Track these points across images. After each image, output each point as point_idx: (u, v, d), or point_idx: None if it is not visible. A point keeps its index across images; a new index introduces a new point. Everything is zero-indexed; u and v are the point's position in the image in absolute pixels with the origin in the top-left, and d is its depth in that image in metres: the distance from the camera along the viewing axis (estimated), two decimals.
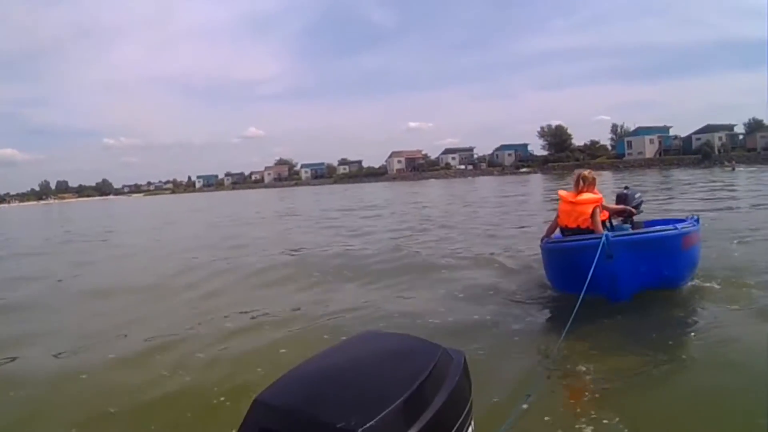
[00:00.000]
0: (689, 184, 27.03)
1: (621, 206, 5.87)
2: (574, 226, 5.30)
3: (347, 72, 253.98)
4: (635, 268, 4.68)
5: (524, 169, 78.61)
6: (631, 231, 5.49)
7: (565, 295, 5.11)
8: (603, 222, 5.30)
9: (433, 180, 73.95)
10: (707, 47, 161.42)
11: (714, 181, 27.40)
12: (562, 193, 5.53)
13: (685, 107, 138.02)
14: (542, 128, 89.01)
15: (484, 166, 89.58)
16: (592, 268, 4.41)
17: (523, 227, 12.41)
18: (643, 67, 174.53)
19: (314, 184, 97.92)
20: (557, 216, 5.57)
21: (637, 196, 6.11)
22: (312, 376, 1.22)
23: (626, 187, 6.44)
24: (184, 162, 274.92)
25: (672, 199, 18.60)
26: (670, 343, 4.16)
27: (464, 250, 9.31)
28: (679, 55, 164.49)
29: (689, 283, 5.44)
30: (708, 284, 5.52)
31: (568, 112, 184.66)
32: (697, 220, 5.65)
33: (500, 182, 49.47)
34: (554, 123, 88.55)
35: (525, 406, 2.87)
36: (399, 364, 1.23)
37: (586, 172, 5.47)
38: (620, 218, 5.94)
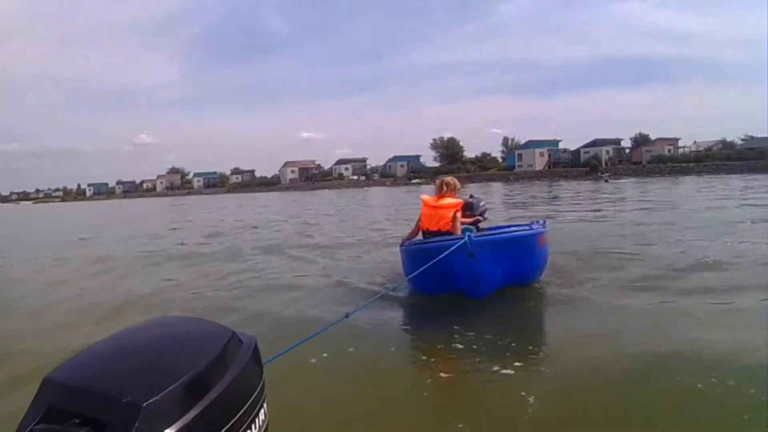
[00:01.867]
0: (575, 193, 29.62)
1: (468, 215, 5.99)
2: (435, 229, 5.41)
3: (241, 80, 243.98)
4: (496, 267, 4.84)
5: (416, 180, 77.48)
6: (490, 231, 5.68)
7: (422, 294, 5.38)
8: None
9: (326, 190, 70.84)
10: (598, 65, 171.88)
11: (579, 192, 30.42)
12: (424, 197, 5.61)
13: (575, 122, 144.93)
14: (434, 140, 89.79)
15: (376, 176, 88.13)
16: (445, 263, 4.54)
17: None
18: (537, 82, 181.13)
19: (206, 193, 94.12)
20: (419, 220, 5.65)
21: (481, 204, 6.30)
22: (101, 355, 1.22)
23: (471, 196, 6.54)
24: (74, 169, 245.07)
25: (549, 206, 20.36)
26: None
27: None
28: (571, 72, 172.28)
29: (539, 280, 5.71)
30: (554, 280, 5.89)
31: (460, 125, 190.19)
32: (544, 224, 5.82)
33: (391, 192, 50.31)
34: (446, 135, 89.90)
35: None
36: (188, 345, 1.23)
37: (449, 179, 5.62)
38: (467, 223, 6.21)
